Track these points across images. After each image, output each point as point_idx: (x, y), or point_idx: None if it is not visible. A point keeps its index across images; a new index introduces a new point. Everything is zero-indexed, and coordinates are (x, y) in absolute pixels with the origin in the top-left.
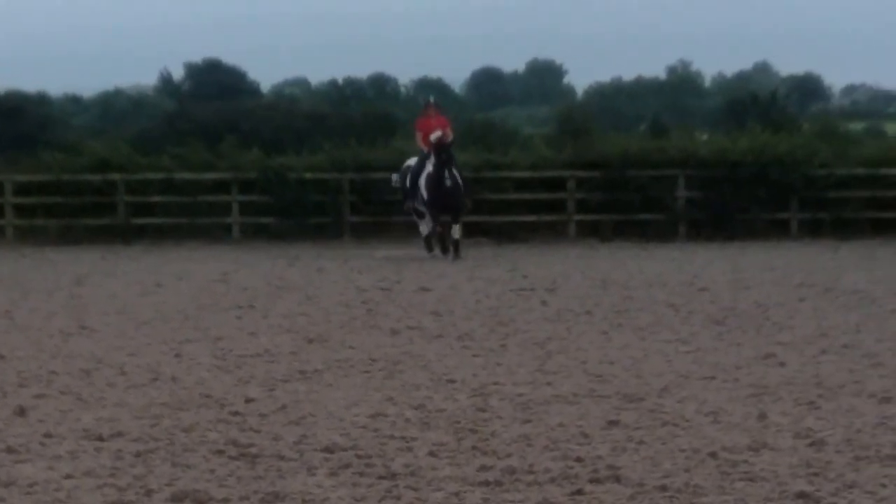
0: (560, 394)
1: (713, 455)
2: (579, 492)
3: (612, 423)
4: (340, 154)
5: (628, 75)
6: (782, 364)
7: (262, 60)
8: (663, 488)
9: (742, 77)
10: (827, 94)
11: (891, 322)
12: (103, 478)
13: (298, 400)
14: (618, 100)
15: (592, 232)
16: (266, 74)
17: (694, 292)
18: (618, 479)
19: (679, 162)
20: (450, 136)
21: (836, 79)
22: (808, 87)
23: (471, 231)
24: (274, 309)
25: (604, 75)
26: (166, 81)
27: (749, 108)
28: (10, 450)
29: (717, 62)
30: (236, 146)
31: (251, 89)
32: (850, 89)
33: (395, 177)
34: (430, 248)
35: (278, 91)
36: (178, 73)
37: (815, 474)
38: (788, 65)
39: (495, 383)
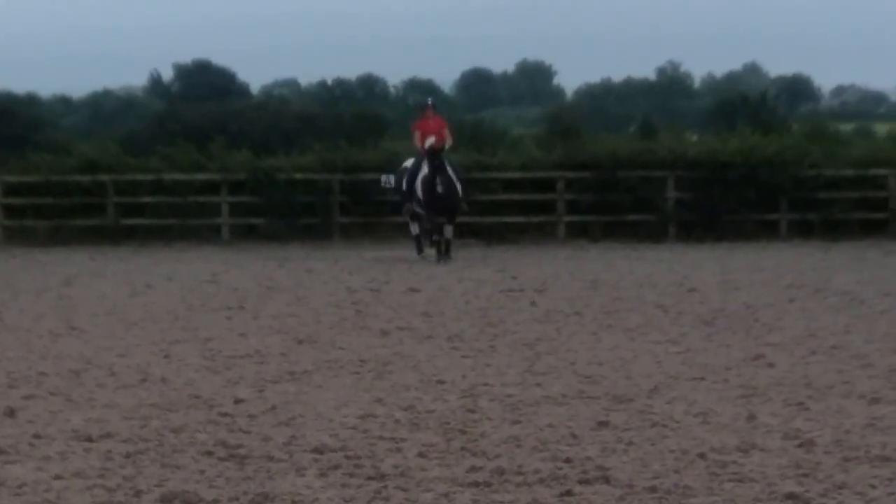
0: (549, 395)
1: (702, 456)
2: (568, 493)
3: (602, 424)
4: (330, 155)
5: (618, 76)
6: (771, 365)
7: (252, 61)
8: (653, 489)
9: (731, 78)
10: (816, 95)
11: (880, 323)
12: (92, 479)
13: (288, 401)
14: (607, 101)
15: (582, 233)
16: (256, 75)
17: (683, 293)
18: (607, 480)
19: (669, 163)
20: (445, 141)
21: (825, 80)
22: (797, 88)
23: (460, 232)
24: (264, 310)
25: (593, 76)
26: (156, 82)
27: (738, 109)
28: None
29: (706, 63)
30: (226, 147)
31: (241, 90)
32: (839, 90)
33: (384, 177)
34: (420, 250)
35: (268, 92)
36: (167, 74)
37: (805, 475)
38: (778, 66)
39: (485, 384)
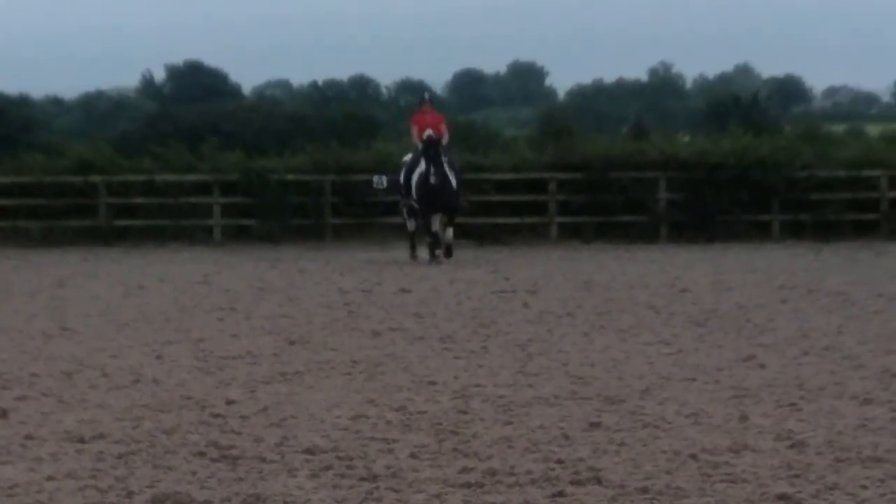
0: (541, 396)
1: (694, 457)
2: (560, 493)
3: (594, 425)
4: (322, 156)
5: (610, 77)
6: (763, 366)
7: (244, 62)
8: (644, 490)
9: (723, 79)
10: (808, 96)
11: (872, 324)
12: (84, 479)
13: (280, 402)
14: (599, 101)
15: (574, 234)
16: (247, 76)
17: (675, 294)
18: (599, 481)
19: (660, 164)
20: (442, 134)
21: (817, 81)
22: (789, 89)
23: (453, 233)
24: (256, 311)
25: (585, 77)
26: (148, 83)
27: (730, 110)
28: None
29: (698, 64)
30: (218, 148)
31: (233, 91)
32: (831, 91)
33: (376, 178)
34: (413, 249)
35: (260, 93)
36: (159, 75)
37: (796, 476)
38: (770, 67)
39: (477, 385)
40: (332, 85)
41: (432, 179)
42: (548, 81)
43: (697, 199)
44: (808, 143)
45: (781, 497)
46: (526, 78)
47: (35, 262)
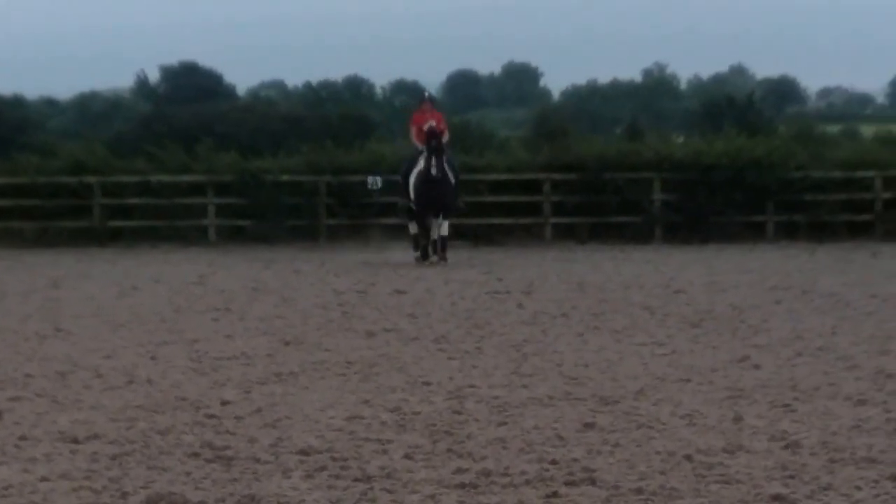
0: (536, 396)
1: (689, 457)
2: (555, 494)
3: (588, 426)
4: (317, 156)
5: (604, 78)
6: (758, 367)
7: (239, 63)
8: (639, 491)
9: (718, 80)
10: (802, 97)
11: (866, 325)
12: (79, 480)
13: (274, 402)
14: (594, 102)
15: (568, 234)
16: (242, 77)
17: (670, 295)
18: (593, 482)
19: (655, 165)
20: (444, 130)
21: (811, 81)
22: (783, 90)
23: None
24: (250, 311)
25: (579, 78)
26: (142, 84)
27: (725, 110)
28: None
29: (692, 65)
30: (212, 149)
31: (227, 92)
32: (825, 92)
33: (370, 179)
34: (417, 248)
35: (254, 94)
36: (154, 76)
37: (791, 477)
38: (764, 67)
39: (471, 386)
40: (327, 85)
41: (433, 171)
42: (542, 82)
43: (692, 200)
44: (802, 144)
45: (776, 498)
46: (520, 79)
47: (29, 262)
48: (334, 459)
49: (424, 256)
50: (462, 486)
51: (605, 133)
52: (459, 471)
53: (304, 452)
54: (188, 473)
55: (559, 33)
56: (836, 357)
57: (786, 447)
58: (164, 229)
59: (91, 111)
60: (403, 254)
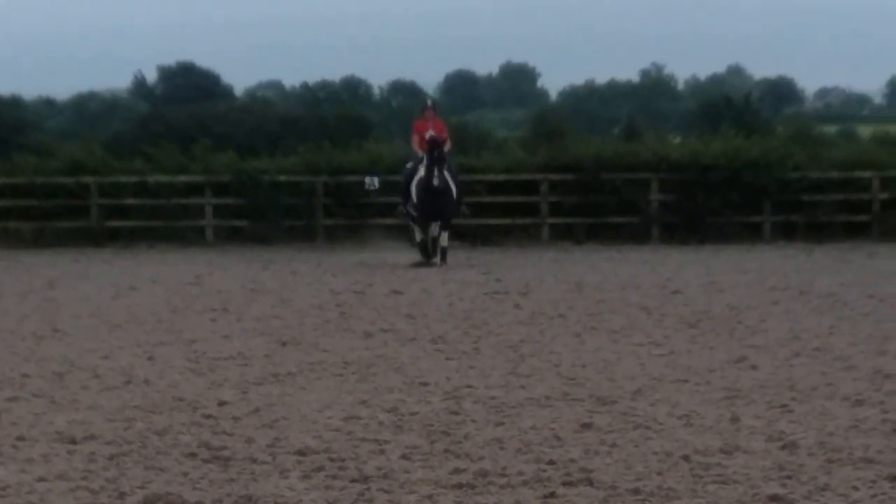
0: (533, 397)
1: (686, 458)
2: (552, 495)
3: (585, 426)
4: (314, 157)
5: (602, 78)
6: (755, 367)
7: (236, 63)
8: (636, 491)
9: (715, 80)
10: (800, 98)
11: (863, 325)
12: (76, 481)
13: (271, 403)
14: (591, 103)
15: (566, 235)
16: (240, 77)
17: (667, 295)
18: (590, 482)
19: (652, 165)
20: (445, 140)
21: (809, 82)
22: (781, 91)
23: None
24: (247, 312)
25: (577, 78)
26: (140, 84)
27: (722, 111)
28: None
29: (690, 65)
30: (210, 149)
31: (225, 92)
32: (823, 92)
33: (368, 179)
34: (424, 253)
35: (252, 94)
36: (151, 76)
37: (788, 477)
38: (761, 68)
39: (468, 386)
40: (324, 86)
41: (435, 182)
42: (540, 82)
43: (689, 201)
44: (799, 145)
45: (773, 498)
46: (518, 79)
47: (26, 263)
48: (331, 460)
49: (426, 258)
50: (459, 486)
51: (603, 133)
52: (457, 471)
53: (301, 453)
54: (185, 474)
55: (557, 34)
56: (833, 357)
57: (783, 447)
58: (161, 230)
59: (88, 111)
60: (401, 254)
